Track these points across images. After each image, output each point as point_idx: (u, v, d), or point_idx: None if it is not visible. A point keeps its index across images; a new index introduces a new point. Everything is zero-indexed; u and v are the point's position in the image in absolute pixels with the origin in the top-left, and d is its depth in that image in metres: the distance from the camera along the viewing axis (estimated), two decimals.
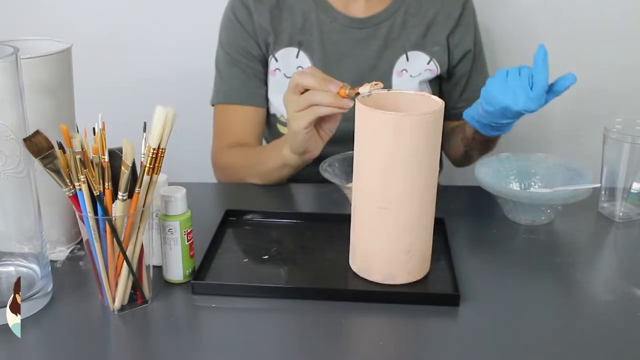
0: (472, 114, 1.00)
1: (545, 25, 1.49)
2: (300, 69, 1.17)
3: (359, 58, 1.18)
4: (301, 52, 1.18)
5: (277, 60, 1.18)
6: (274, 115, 1.24)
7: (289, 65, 1.18)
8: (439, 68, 1.20)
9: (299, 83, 0.90)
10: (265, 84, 1.21)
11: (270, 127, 1.26)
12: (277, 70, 1.19)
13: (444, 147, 1.18)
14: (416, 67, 1.19)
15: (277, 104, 1.21)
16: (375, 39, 1.17)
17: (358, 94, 0.82)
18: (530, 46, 1.01)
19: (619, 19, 1.54)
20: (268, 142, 1.30)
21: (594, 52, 1.57)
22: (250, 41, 1.18)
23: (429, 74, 1.20)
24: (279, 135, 1.25)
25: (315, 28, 1.17)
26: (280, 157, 1.03)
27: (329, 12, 1.17)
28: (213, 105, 1.23)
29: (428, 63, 1.19)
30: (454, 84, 1.25)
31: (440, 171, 1.34)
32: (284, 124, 1.23)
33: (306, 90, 0.90)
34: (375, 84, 0.81)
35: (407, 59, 1.19)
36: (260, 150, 1.16)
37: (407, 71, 1.19)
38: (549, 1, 1.48)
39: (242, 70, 1.19)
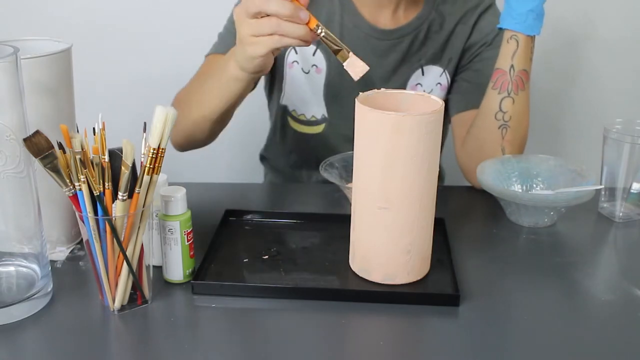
0: (504, 16, 1.00)
1: (545, 25, 1.49)
2: (314, 67, 1.16)
3: (376, 70, 1.14)
4: (318, 51, 1.15)
5: (296, 52, 1.16)
6: (286, 107, 1.21)
7: (306, 60, 1.16)
8: (449, 79, 1.18)
9: (262, 9, 0.81)
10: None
11: (282, 117, 1.23)
12: (294, 63, 1.16)
13: (461, 146, 1.14)
14: (430, 79, 1.17)
15: (292, 96, 1.19)
16: (394, 53, 1.14)
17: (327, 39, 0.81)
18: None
19: (620, 19, 1.54)
20: (276, 135, 1.28)
21: (595, 53, 1.57)
22: None
23: (439, 89, 1.18)
24: (289, 128, 1.23)
25: (336, 30, 1.13)
26: (227, 74, 0.95)
27: (354, 18, 1.13)
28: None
29: (440, 75, 1.17)
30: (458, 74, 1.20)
31: (442, 179, 1.31)
32: (296, 119, 1.21)
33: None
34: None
35: (423, 73, 1.16)
36: (207, 74, 1.05)
37: (421, 85, 1.17)
38: (548, 2, 1.48)
39: None
